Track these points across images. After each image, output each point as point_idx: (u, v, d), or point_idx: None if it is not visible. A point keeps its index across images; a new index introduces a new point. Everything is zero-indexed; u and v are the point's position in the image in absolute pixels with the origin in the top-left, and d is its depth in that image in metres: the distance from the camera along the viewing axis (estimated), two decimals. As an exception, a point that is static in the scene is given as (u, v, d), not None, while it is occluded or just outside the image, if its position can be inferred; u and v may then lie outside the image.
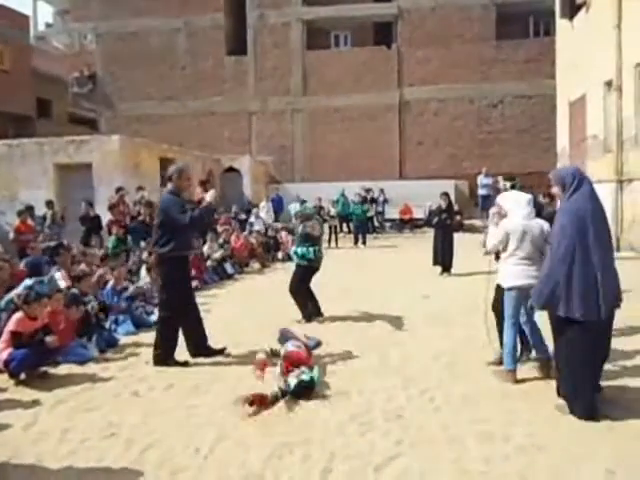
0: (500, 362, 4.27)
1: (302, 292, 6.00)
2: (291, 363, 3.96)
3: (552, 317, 3.45)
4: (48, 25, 31.22)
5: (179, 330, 4.69)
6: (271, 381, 3.88)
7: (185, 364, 4.59)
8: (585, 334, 3.25)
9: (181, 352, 4.77)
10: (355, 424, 3.37)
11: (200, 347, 4.71)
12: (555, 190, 3.54)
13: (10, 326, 4.26)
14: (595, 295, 3.19)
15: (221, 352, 4.77)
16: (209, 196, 4.61)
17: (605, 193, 10.10)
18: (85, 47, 24.51)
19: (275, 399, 3.68)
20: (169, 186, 4.56)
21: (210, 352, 4.72)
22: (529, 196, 4.06)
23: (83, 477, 2.83)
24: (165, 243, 4.49)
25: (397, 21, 19.27)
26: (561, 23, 13.56)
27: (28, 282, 5.35)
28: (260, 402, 3.61)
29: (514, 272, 3.87)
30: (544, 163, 16.81)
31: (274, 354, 4.03)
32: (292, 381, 3.78)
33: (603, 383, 3.62)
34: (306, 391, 3.76)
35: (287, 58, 19.76)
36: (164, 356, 4.56)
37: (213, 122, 20.03)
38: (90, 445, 3.17)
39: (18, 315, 4.33)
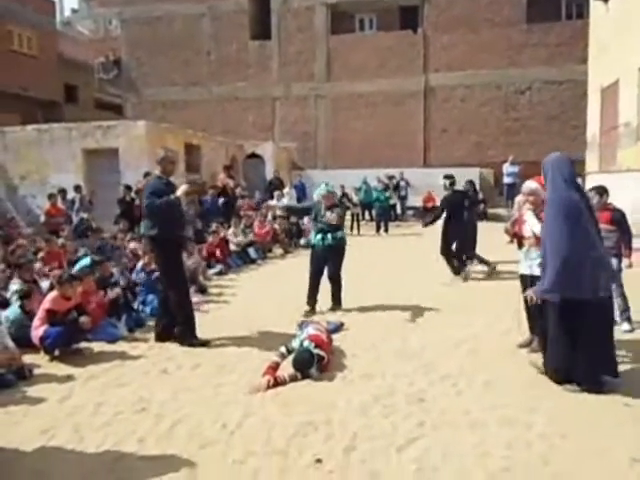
0: (528, 344, 4.33)
1: None
2: (313, 340, 4.04)
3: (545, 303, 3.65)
4: (74, 11, 31.66)
5: (192, 307, 4.81)
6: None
7: (207, 344, 4.69)
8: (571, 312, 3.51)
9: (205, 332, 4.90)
10: (378, 406, 3.43)
11: (167, 331, 4.78)
12: (541, 179, 3.73)
13: (45, 304, 4.44)
14: (585, 275, 3.44)
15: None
16: (180, 190, 4.59)
17: (637, 183, 9.80)
18: (110, 32, 24.77)
19: (294, 378, 3.78)
20: (156, 170, 4.76)
21: (172, 337, 4.78)
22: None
23: (118, 446, 2.97)
24: (152, 226, 4.57)
25: (423, 4, 18.86)
26: (595, 5, 13.06)
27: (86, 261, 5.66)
28: (272, 373, 3.74)
29: None
30: (573, 151, 16.34)
31: (290, 352, 4.00)
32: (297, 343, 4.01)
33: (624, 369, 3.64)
34: (303, 358, 3.84)
35: (311, 43, 19.57)
36: (188, 336, 4.66)
37: (237, 108, 20.06)
38: (123, 418, 3.32)
39: (53, 294, 4.51)
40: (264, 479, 2.63)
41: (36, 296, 4.82)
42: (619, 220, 4.84)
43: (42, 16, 18.93)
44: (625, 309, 4.90)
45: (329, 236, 5.76)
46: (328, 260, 5.81)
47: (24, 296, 4.78)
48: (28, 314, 4.65)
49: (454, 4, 18.25)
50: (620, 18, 11.54)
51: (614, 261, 4.67)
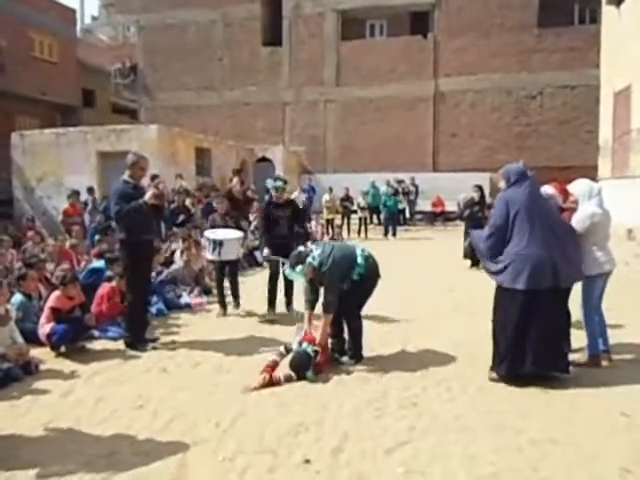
0: None
1: None
2: (310, 341, 4.10)
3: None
4: (94, 18, 32.34)
5: (146, 313, 4.90)
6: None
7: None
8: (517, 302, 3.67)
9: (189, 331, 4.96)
10: (370, 409, 3.45)
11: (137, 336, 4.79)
12: (501, 184, 3.94)
13: (50, 303, 4.59)
14: (525, 267, 3.61)
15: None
16: (147, 195, 4.57)
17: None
18: (128, 39, 25.29)
19: (289, 379, 3.85)
20: (125, 173, 4.73)
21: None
22: (599, 185, 4.23)
23: (114, 440, 3.06)
24: (121, 229, 4.64)
25: (434, 10, 18.89)
26: (607, 10, 12.95)
27: (98, 264, 5.83)
28: (270, 371, 3.83)
29: (600, 259, 4.00)
30: (585, 157, 16.19)
31: (289, 352, 4.07)
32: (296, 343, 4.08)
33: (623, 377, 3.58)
34: (299, 360, 3.91)
35: (321, 49, 19.74)
36: (134, 339, 4.69)
37: (248, 112, 20.29)
38: (120, 414, 3.41)
39: (57, 293, 4.68)
40: (252, 477, 2.68)
41: (32, 279, 5.03)
42: None
43: (63, 24, 19.42)
44: None
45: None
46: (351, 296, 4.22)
47: (20, 278, 5.00)
48: (29, 296, 4.88)
49: (465, 9, 18.23)
50: (633, 23, 11.42)
51: None
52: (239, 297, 6.07)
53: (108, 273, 5.63)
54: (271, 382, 3.78)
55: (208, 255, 5.81)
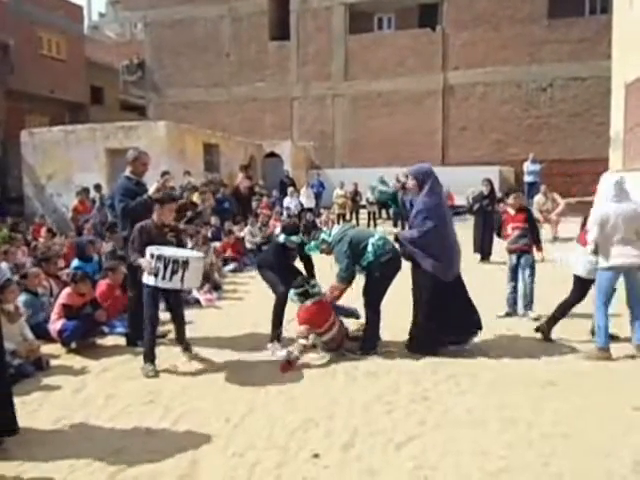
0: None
1: None
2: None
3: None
4: (101, 15, 32.44)
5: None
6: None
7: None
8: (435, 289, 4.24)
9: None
10: (380, 403, 3.45)
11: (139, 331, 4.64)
12: (410, 184, 4.32)
13: (61, 300, 4.63)
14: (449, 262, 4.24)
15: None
16: (152, 189, 4.51)
17: (661, 181, 9.50)
18: (135, 36, 25.34)
19: (302, 348, 4.06)
20: (127, 170, 4.68)
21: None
22: (617, 178, 4.30)
23: (126, 435, 3.08)
24: (124, 227, 4.60)
25: (443, 2, 18.68)
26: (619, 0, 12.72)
27: (76, 263, 5.79)
28: (288, 367, 3.99)
29: (610, 253, 4.11)
30: (597, 149, 15.97)
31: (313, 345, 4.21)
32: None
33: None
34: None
35: (329, 43, 19.60)
36: (134, 336, 4.63)
37: (256, 108, 20.25)
38: (131, 410, 3.43)
39: (67, 290, 4.72)
40: (261, 472, 2.69)
41: (34, 275, 5.06)
42: (531, 218, 5.45)
43: (70, 22, 19.49)
44: (531, 300, 5.33)
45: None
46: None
47: (22, 277, 5.03)
48: (34, 294, 4.93)
49: (474, 1, 18.00)
50: (646, 12, 11.20)
51: (529, 256, 5.27)
52: (186, 338, 4.48)
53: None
54: (288, 365, 3.98)
55: (159, 282, 3.86)
